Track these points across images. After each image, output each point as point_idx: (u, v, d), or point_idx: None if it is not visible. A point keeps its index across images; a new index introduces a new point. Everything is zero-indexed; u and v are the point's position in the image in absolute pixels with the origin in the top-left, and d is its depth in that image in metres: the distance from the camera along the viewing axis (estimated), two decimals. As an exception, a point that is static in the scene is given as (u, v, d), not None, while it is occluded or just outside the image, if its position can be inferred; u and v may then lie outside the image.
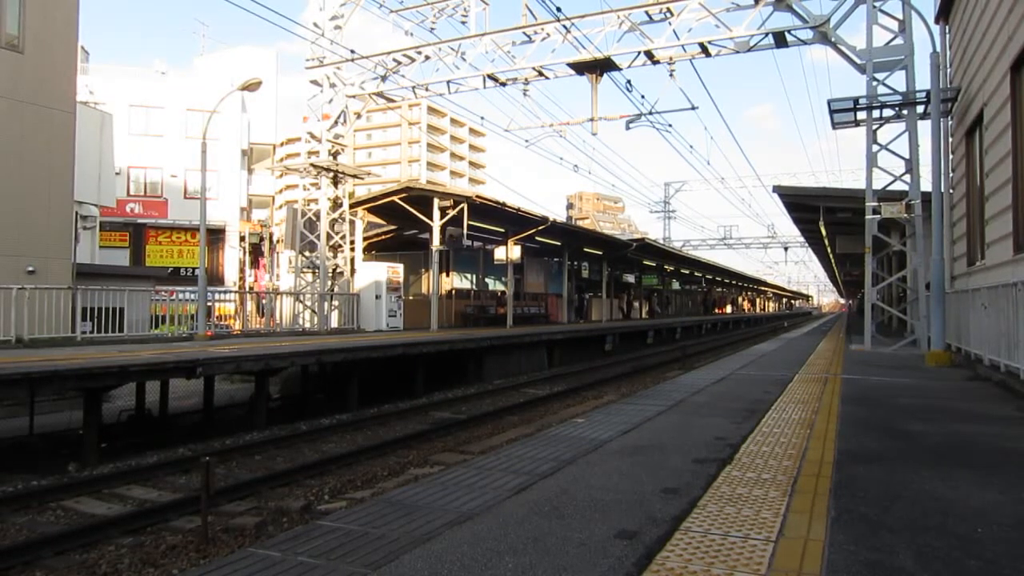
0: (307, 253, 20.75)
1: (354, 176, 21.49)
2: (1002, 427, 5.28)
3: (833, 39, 14.20)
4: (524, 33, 17.41)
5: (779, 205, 24.18)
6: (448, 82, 18.79)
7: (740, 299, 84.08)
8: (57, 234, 15.01)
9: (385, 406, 13.32)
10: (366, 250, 23.92)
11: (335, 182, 20.50)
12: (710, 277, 59.65)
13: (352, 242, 21.46)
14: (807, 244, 41.94)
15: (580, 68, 16.88)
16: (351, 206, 21.36)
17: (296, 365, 13.49)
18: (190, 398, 14.18)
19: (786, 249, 60.91)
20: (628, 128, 18.49)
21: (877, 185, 13.93)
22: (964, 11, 12.36)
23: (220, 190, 31.39)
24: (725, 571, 2.47)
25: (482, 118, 21.75)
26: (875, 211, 13.29)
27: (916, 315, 14.21)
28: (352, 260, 21.36)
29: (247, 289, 30.15)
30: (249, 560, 2.69)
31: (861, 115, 13.88)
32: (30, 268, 14.02)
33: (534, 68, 17.62)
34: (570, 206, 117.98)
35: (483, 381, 17.29)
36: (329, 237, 20.47)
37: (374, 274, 21.09)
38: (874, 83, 13.56)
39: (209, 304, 17.13)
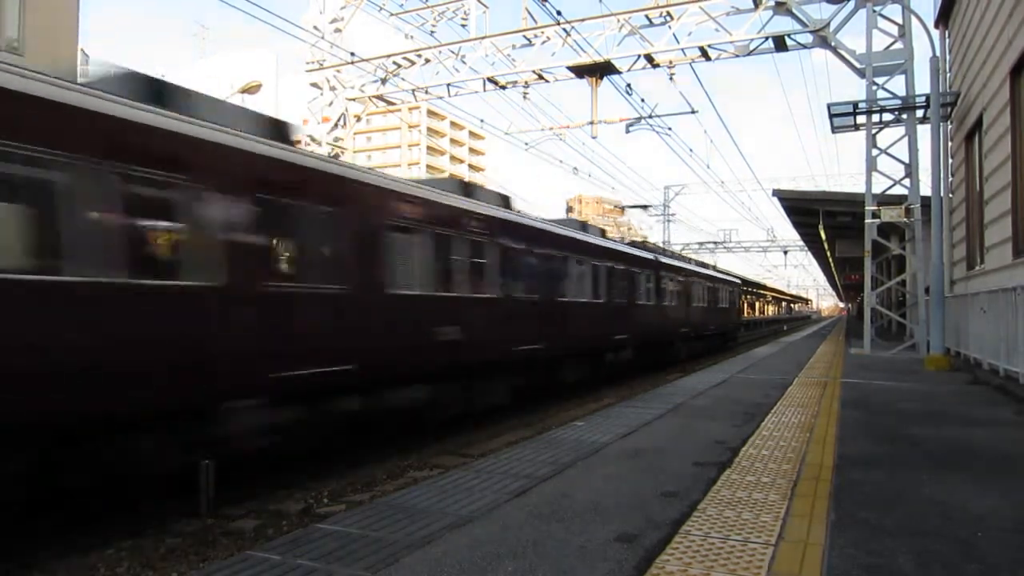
0: (307, 256, 20.70)
1: (354, 179, 21.46)
2: (1001, 431, 5.28)
3: (833, 43, 14.22)
4: (524, 36, 17.45)
5: (779, 209, 24.24)
6: (448, 85, 18.82)
7: (739, 302, 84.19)
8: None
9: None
10: (366, 253, 23.85)
11: (335, 185, 20.48)
12: (710, 281, 59.52)
13: (352, 245, 21.41)
14: (806, 248, 41.99)
15: (580, 71, 16.91)
16: (351, 209, 21.32)
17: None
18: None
19: (785, 253, 60.86)
20: (628, 131, 18.55)
21: (877, 189, 13.95)
22: (963, 16, 12.40)
23: (220, 193, 31.33)
24: (724, 575, 2.47)
25: (482, 121, 21.90)
26: (874, 215, 13.31)
27: (915, 319, 14.22)
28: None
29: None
30: (248, 563, 2.69)
31: (861, 119, 13.90)
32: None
33: (534, 71, 17.64)
34: (569, 209, 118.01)
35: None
36: (329, 240, 20.44)
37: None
38: (874, 87, 13.58)
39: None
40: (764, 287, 79.43)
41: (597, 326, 14.20)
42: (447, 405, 9.35)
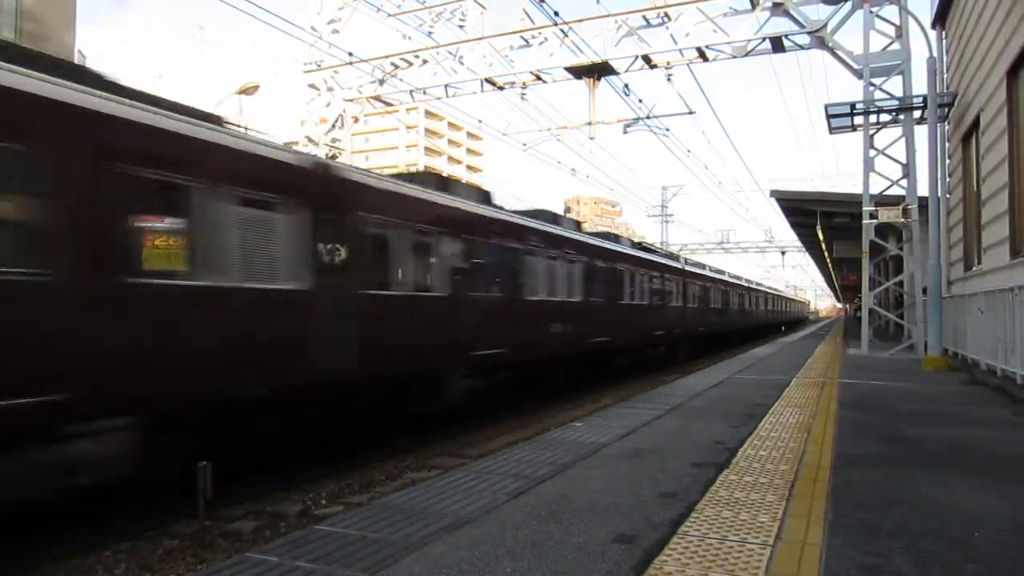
0: (305, 257, 20.66)
1: (352, 180, 21.42)
2: (999, 431, 5.29)
3: (831, 44, 14.23)
4: (522, 37, 17.44)
5: (777, 210, 24.29)
6: (446, 86, 18.81)
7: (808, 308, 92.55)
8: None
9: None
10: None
11: (333, 186, 20.44)
12: (708, 281, 60.63)
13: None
14: (804, 248, 41.99)
15: (578, 72, 16.91)
16: (349, 210, 21.28)
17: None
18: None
19: (783, 253, 60.90)
20: (626, 132, 18.55)
21: (874, 190, 13.97)
22: (961, 17, 12.42)
23: (218, 193, 31.26)
24: (722, 575, 2.47)
25: (479, 121, 21.83)
26: (872, 216, 13.33)
27: (913, 319, 14.23)
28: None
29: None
30: (246, 565, 2.69)
31: (858, 120, 13.92)
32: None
33: (532, 72, 17.64)
34: (567, 210, 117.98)
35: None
36: (327, 241, 20.40)
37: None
38: (871, 88, 13.60)
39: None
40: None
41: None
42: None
